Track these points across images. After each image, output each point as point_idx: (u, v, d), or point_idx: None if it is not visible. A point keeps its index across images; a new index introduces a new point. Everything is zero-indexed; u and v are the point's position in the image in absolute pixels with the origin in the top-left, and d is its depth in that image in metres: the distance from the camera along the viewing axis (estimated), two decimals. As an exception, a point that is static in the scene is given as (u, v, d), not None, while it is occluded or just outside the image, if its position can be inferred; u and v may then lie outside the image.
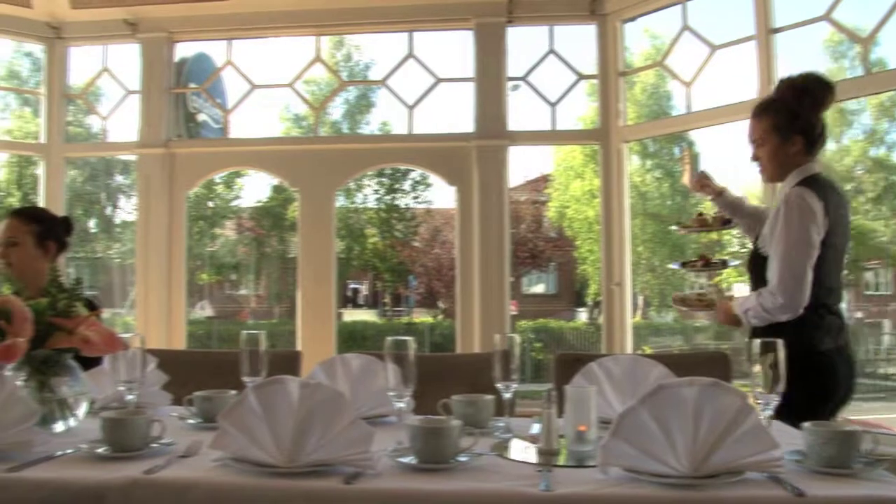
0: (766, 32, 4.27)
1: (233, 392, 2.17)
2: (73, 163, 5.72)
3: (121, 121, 5.68)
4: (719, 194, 3.22)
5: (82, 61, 5.75)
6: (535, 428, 2.04)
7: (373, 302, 25.56)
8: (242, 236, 22.60)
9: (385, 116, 21.29)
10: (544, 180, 22.37)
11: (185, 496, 1.55)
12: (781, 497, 1.46)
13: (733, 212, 3.21)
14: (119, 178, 19.92)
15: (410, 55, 5.27)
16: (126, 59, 5.59)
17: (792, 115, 2.81)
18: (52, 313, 1.96)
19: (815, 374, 2.61)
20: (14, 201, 19.85)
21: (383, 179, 21.72)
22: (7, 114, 19.26)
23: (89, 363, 2.20)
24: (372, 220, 22.56)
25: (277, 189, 21.07)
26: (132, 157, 5.77)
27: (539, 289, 25.46)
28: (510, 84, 5.14)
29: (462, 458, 1.68)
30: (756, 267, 2.83)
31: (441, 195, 22.89)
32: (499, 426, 2.09)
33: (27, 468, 1.65)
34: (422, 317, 21.70)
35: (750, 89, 4.32)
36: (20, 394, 1.80)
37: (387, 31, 5.41)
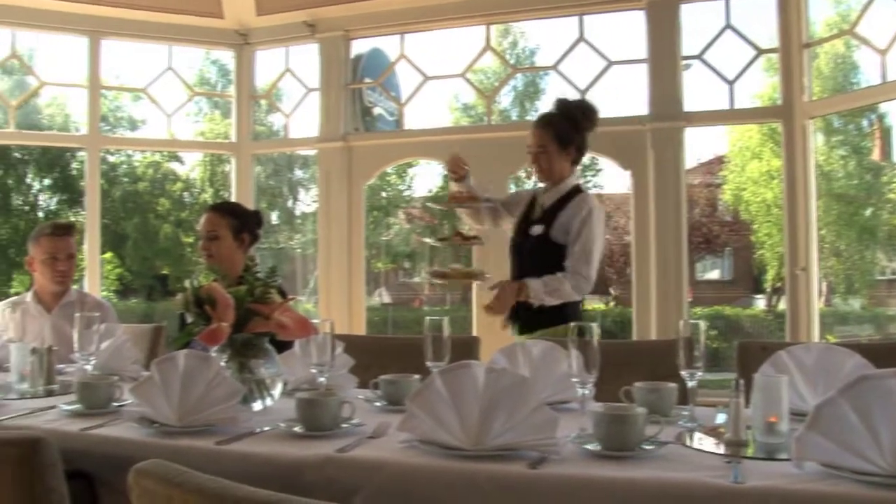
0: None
1: (416, 376, 2.23)
2: (257, 159, 6.06)
3: (301, 118, 5.97)
4: (462, 179, 3.66)
5: (266, 64, 6.09)
6: (720, 418, 1.97)
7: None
8: (415, 225, 23.11)
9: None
10: (718, 162, 21.44)
11: (375, 475, 1.61)
12: None
13: (474, 199, 3.66)
14: (299, 173, 20.90)
15: (581, 39, 5.19)
16: (306, 58, 5.86)
17: (574, 130, 3.47)
18: (250, 300, 2.09)
19: None
20: (207, 197, 21.29)
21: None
22: (200, 117, 20.68)
23: (281, 347, 2.33)
24: (541, 207, 22.46)
25: (447, 178, 21.41)
26: (312, 152, 6.03)
27: (714, 275, 24.46)
28: (684, 63, 4.96)
29: (647, 447, 1.65)
30: (541, 251, 3.40)
31: (611, 180, 22.48)
32: (683, 415, 2.03)
33: (233, 442, 1.77)
34: (593, 303, 21.43)
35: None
36: (225, 374, 1.93)
37: (557, 16, 5.35)
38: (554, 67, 5.39)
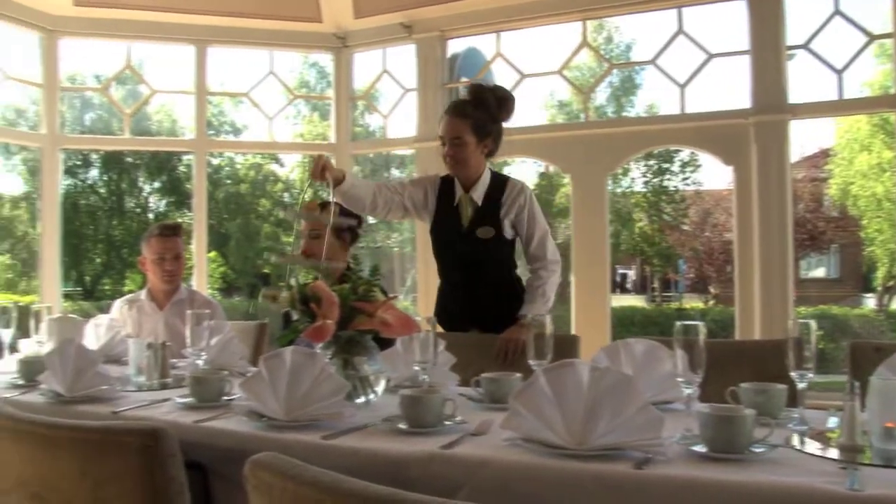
0: None
1: (518, 374, 2.23)
2: (355, 159, 6.18)
3: (399, 118, 6.05)
4: (338, 184, 3.00)
5: (364, 65, 6.19)
6: (832, 421, 1.89)
7: (641, 287, 25.07)
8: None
9: (651, 97, 20.76)
10: (824, 155, 20.60)
11: (478, 472, 1.61)
12: None
13: (355, 203, 3.15)
14: (396, 172, 21.14)
15: (680, 32, 5.08)
16: (403, 59, 5.93)
17: (491, 120, 3.22)
18: (354, 298, 2.12)
19: None
20: (306, 198, 21.77)
21: (650, 162, 21.18)
22: (299, 119, 21.19)
23: (383, 344, 2.36)
24: (639, 204, 22.07)
25: (543, 176, 21.28)
26: (409, 152, 6.09)
27: (819, 273, 23.53)
28: (789, 53, 4.79)
29: (756, 449, 1.60)
30: (493, 252, 3.26)
31: (711, 176, 21.94)
32: (793, 417, 1.96)
33: (339, 437, 1.81)
34: (692, 302, 20.92)
35: None
36: (330, 370, 1.97)
37: (655, 10, 5.25)
38: (652, 62, 5.29)
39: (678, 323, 1.77)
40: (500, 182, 3.30)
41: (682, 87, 5.07)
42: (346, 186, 3.02)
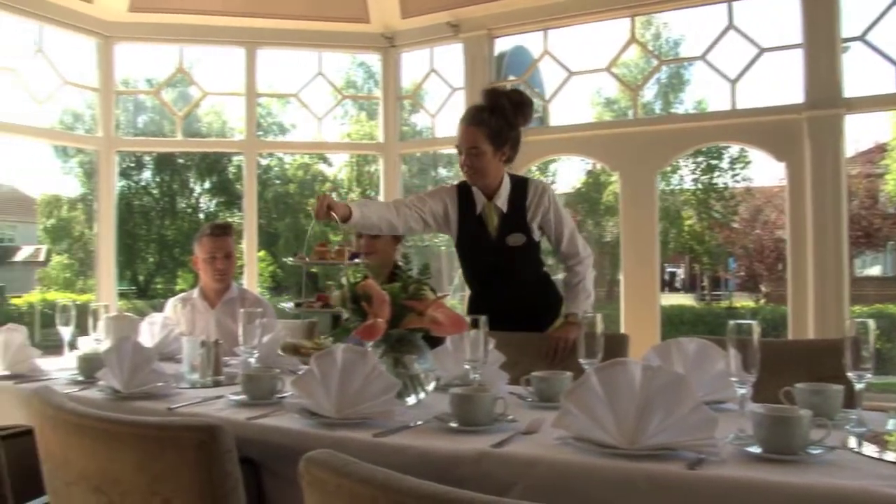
0: None
1: (568, 373, 2.22)
2: (402, 158, 6.21)
3: (446, 117, 6.05)
4: (345, 220, 2.89)
5: (411, 65, 6.22)
6: (891, 423, 1.85)
7: (690, 286, 24.74)
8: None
9: (700, 93, 20.49)
10: (880, 150, 20.05)
11: (529, 471, 1.61)
12: None
13: (370, 229, 3.13)
14: (443, 171, 21.17)
15: (730, 27, 5.01)
16: (450, 58, 5.94)
17: (508, 127, 3.12)
18: (404, 297, 2.13)
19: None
20: (354, 196, 21.94)
21: (699, 159, 20.89)
22: (346, 119, 21.35)
23: (433, 343, 2.37)
24: (689, 201, 21.79)
25: (591, 174, 21.14)
26: (454, 151, 6.08)
27: (874, 271, 22.91)
28: (843, 46, 4.68)
29: (813, 451, 1.57)
30: (525, 257, 3.21)
31: (762, 172, 21.54)
32: (850, 418, 1.91)
33: (389, 435, 1.82)
34: (743, 301, 20.58)
35: None
36: (381, 368, 1.98)
37: (705, 5, 5.17)
38: (702, 58, 5.22)
39: (731, 322, 1.74)
40: (521, 185, 3.23)
41: (733, 82, 4.99)
42: (356, 219, 2.93)
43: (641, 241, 5.11)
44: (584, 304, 3.16)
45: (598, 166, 19.68)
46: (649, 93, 20.07)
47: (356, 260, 3.18)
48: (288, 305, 2.87)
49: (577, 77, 5.58)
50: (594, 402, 1.65)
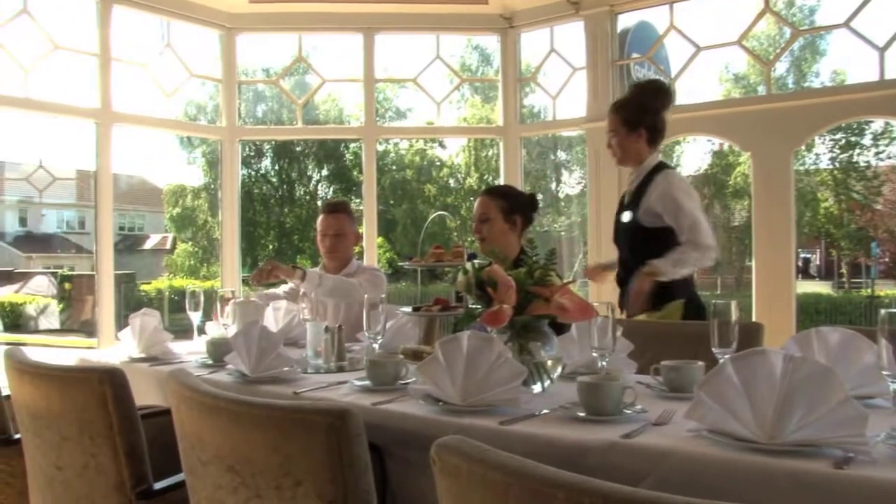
0: None
1: (700, 363, 2.16)
2: (521, 141, 6.18)
3: (567, 98, 5.99)
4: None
5: (530, 45, 6.18)
6: None
7: (826, 272, 23.67)
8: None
9: (838, 64, 19.49)
10: None
11: (660, 463, 1.57)
12: None
13: None
14: (562, 154, 20.99)
15: (879, -10, 4.73)
16: (570, 37, 5.86)
17: (642, 111, 3.48)
18: (530, 283, 2.13)
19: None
20: (472, 182, 22.06)
21: (837, 136, 19.88)
22: (462, 103, 21.45)
23: (558, 329, 2.35)
24: (825, 182, 20.80)
25: (717, 154, 20.49)
26: (575, 133, 6.04)
27: None
28: None
29: (978, 451, 1.47)
30: (632, 237, 3.47)
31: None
32: None
33: (516, 423, 1.82)
34: (887, 289, 19.52)
35: None
36: (507, 355, 1.98)
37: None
38: (846, 24, 4.94)
39: (883, 311, 1.65)
40: (653, 171, 3.49)
41: (882, 50, 4.72)
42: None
43: (775, 224, 4.92)
44: (660, 262, 3.28)
45: (726, 146, 19.10)
46: (781, 66, 19.24)
47: (476, 261, 3.21)
48: (406, 309, 2.91)
49: (705, 52, 5.40)
50: (730, 393, 1.59)
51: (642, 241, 3.42)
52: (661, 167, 3.47)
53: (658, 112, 3.49)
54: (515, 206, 3.52)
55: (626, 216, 3.50)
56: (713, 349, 2.01)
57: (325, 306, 3.91)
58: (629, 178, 3.60)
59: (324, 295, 3.63)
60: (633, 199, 3.49)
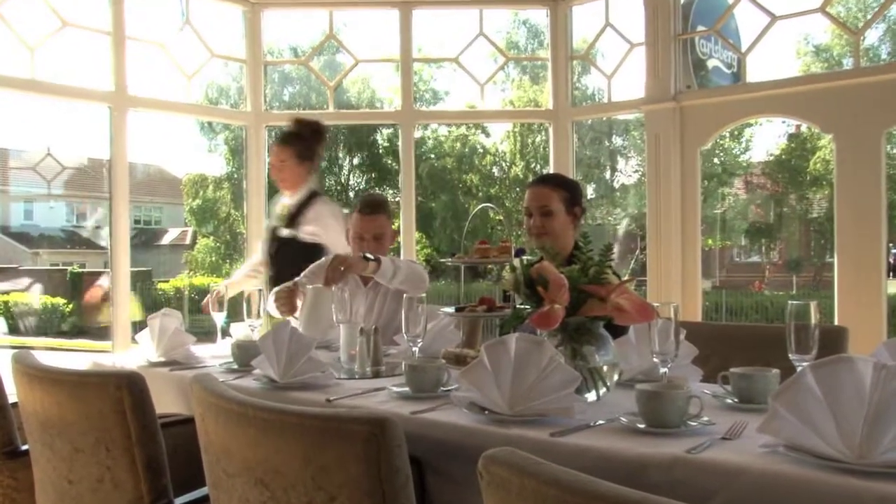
0: None
1: (775, 371, 2.14)
2: (573, 125, 6.13)
3: (623, 78, 5.95)
4: None
5: (583, 20, 6.14)
6: None
7: (921, 271, 23.20)
8: (753, 195, 22.10)
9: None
10: None
11: (732, 481, 1.57)
12: None
13: None
14: (617, 140, 20.86)
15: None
16: (628, 10, 5.82)
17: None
18: (584, 281, 2.13)
19: None
20: (518, 171, 21.99)
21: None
22: (507, 84, 21.39)
23: (615, 332, 2.35)
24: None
25: (794, 138, 20.19)
26: (632, 116, 5.99)
27: None
28: None
29: None
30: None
31: None
32: None
33: (569, 434, 1.83)
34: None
35: None
36: (559, 360, 1.99)
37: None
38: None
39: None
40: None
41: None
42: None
43: (863, 216, 4.82)
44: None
45: (805, 128, 18.81)
46: (872, 34, 18.77)
47: (524, 256, 3.20)
48: (448, 310, 2.92)
49: (781, 22, 5.32)
50: (811, 406, 1.57)
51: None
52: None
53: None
54: (577, 196, 3.50)
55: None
56: (790, 355, 1.99)
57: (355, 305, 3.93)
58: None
59: (399, 284, 3.53)
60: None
